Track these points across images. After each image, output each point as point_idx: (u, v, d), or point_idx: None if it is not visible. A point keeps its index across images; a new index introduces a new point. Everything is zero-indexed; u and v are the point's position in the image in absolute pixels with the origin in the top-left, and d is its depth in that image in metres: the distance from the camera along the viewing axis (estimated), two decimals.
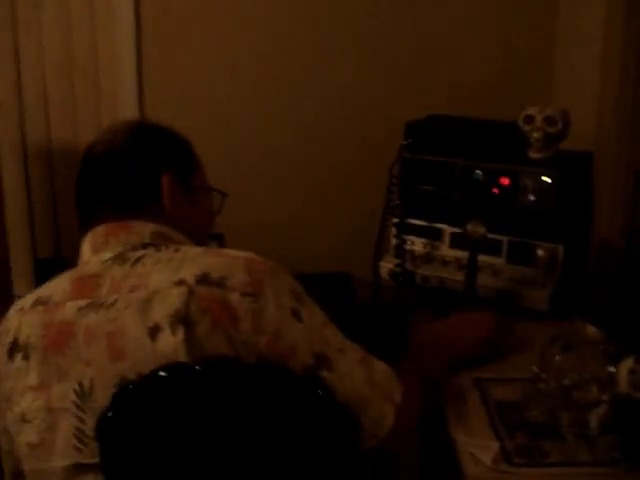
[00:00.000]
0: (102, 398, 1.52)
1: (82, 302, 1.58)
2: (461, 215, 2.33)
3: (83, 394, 1.54)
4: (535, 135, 2.38)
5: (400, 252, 2.50)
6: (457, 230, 2.42)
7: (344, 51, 3.07)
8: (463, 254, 2.37)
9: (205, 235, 1.89)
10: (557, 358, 1.81)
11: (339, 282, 2.85)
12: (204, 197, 1.87)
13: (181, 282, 1.52)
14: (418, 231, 2.54)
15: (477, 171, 2.43)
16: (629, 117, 2.39)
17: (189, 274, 1.53)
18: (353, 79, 3.08)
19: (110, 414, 1.51)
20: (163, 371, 1.49)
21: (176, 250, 1.63)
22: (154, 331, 1.49)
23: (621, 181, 2.38)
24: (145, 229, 1.69)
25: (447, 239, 2.51)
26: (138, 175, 1.74)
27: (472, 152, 2.46)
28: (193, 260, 1.57)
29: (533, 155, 2.40)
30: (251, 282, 1.54)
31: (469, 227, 2.26)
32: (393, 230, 2.56)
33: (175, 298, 1.50)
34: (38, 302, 1.64)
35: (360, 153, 3.10)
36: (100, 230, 1.71)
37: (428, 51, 3.05)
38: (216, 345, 1.49)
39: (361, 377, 1.64)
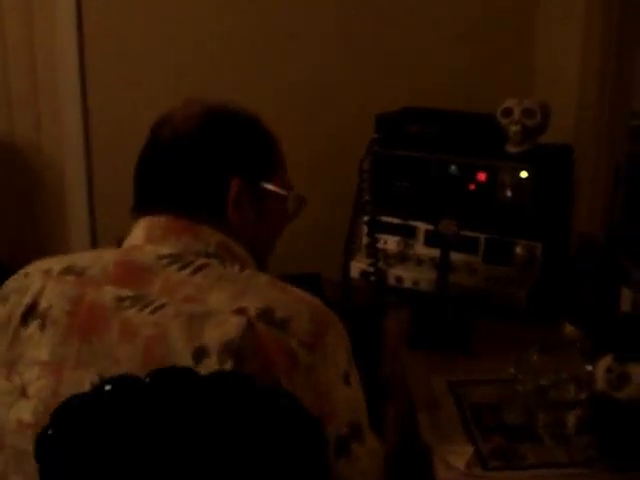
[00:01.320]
0: None
1: (125, 292, 1.53)
2: (436, 212, 2.35)
3: None
4: (513, 128, 2.41)
5: (372, 251, 2.51)
6: (432, 228, 2.44)
7: (311, 39, 3.09)
8: (438, 253, 2.35)
9: (269, 247, 1.84)
10: (534, 358, 1.86)
11: (308, 284, 2.87)
12: (276, 203, 1.77)
13: (241, 311, 1.48)
14: (391, 229, 2.57)
15: (452, 166, 2.47)
16: (610, 110, 2.44)
17: (252, 304, 1.49)
18: (320, 69, 3.10)
19: (50, 432, 1.47)
20: (108, 384, 1.46)
21: (241, 270, 1.60)
22: (200, 353, 1.45)
23: (601, 175, 2.42)
24: (212, 238, 1.64)
25: (421, 237, 2.53)
26: (204, 174, 1.66)
27: (447, 146, 2.49)
28: (258, 289, 1.54)
29: (511, 149, 2.44)
30: (312, 332, 1.51)
31: (441, 224, 2.28)
32: (364, 228, 2.57)
33: (232, 327, 1.46)
34: (70, 270, 1.60)
35: (329, 147, 3.11)
36: (160, 222, 1.65)
37: (401, 40, 3.07)
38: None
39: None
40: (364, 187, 2.56)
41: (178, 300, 1.50)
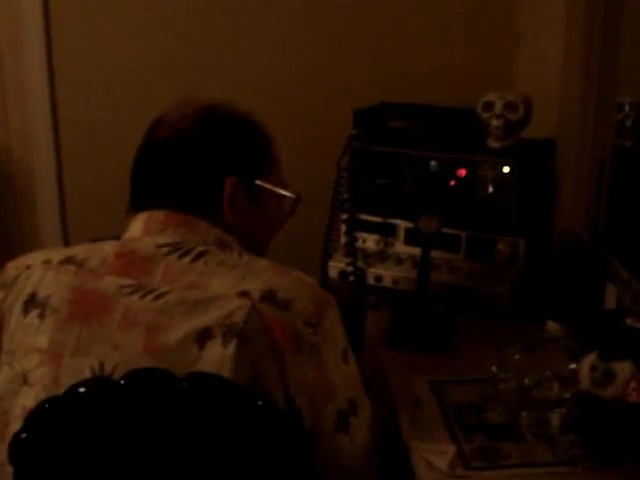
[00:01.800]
0: None
1: (126, 281, 1.58)
2: (416, 209, 2.34)
3: (101, 374, 1.53)
4: (495, 123, 2.41)
5: (351, 250, 2.50)
6: (412, 226, 2.41)
7: (290, 36, 3.10)
8: (419, 251, 2.35)
9: (265, 245, 1.89)
10: (517, 357, 1.86)
11: None
12: (273, 201, 1.82)
13: (244, 294, 1.55)
14: (370, 227, 2.56)
15: (432, 162, 2.46)
16: (594, 104, 2.43)
17: (254, 287, 1.56)
18: (298, 64, 3.11)
19: (24, 435, 1.49)
20: (82, 387, 1.48)
21: (240, 255, 1.67)
22: (203, 336, 1.51)
23: (585, 170, 2.42)
24: (209, 232, 1.69)
25: (401, 235, 2.53)
26: (200, 173, 1.71)
27: (427, 142, 2.49)
28: (259, 272, 1.61)
29: (492, 144, 2.44)
30: (315, 313, 1.60)
31: (421, 222, 2.28)
32: (343, 227, 2.56)
33: (235, 309, 1.52)
34: (69, 261, 1.64)
35: (306, 143, 3.12)
36: (159, 216, 1.69)
37: (380, 32, 3.08)
38: (265, 366, 1.54)
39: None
40: (342, 184, 2.55)
41: (180, 288, 1.56)
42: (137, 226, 1.71)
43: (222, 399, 1.51)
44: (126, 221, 1.76)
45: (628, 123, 2.47)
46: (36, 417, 1.50)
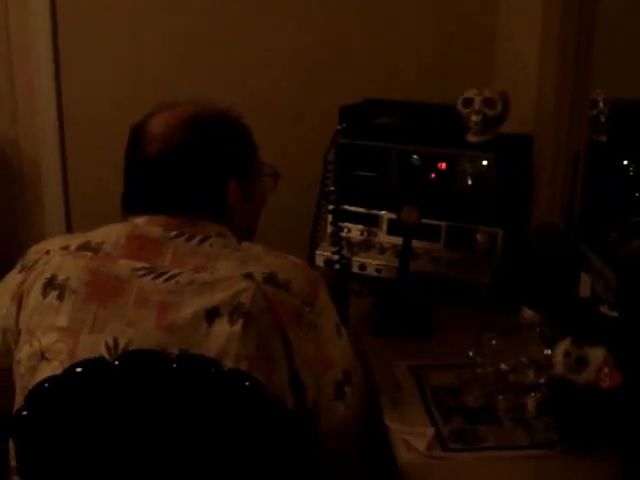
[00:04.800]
0: None
1: (139, 264, 1.60)
2: (398, 201, 2.32)
3: (115, 350, 1.54)
4: (474, 118, 2.38)
5: (336, 240, 2.48)
6: (394, 216, 2.40)
7: (277, 31, 3.05)
8: (401, 240, 2.32)
9: (255, 228, 1.89)
10: (493, 342, 1.83)
11: None
12: (258, 187, 1.84)
13: (249, 276, 1.58)
14: (354, 218, 2.54)
15: (414, 156, 2.43)
16: (569, 100, 2.40)
17: (256, 270, 1.59)
18: (285, 62, 3.07)
19: (25, 413, 1.49)
20: (79, 367, 1.48)
21: (238, 242, 1.69)
22: (212, 314, 1.54)
23: (560, 164, 2.39)
24: (211, 228, 1.68)
25: (384, 226, 2.51)
26: (202, 180, 1.70)
27: (408, 137, 2.46)
28: (258, 257, 1.64)
29: (471, 139, 2.41)
30: (310, 292, 1.64)
31: (403, 213, 2.26)
32: (329, 217, 2.55)
33: (241, 290, 1.55)
34: (86, 247, 1.65)
35: (294, 138, 3.08)
36: (160, 219, 1.67)
37: (364, 32, 3.04)
38: (271, 342, 1.57)
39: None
40: (329, 177, 2.55)
41: (189, 270, 1.58)
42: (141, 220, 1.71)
43: (211, 380, 1.51)
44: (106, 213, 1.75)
45: (602, 119, 2.44)
46: (36, 395, 1.50)
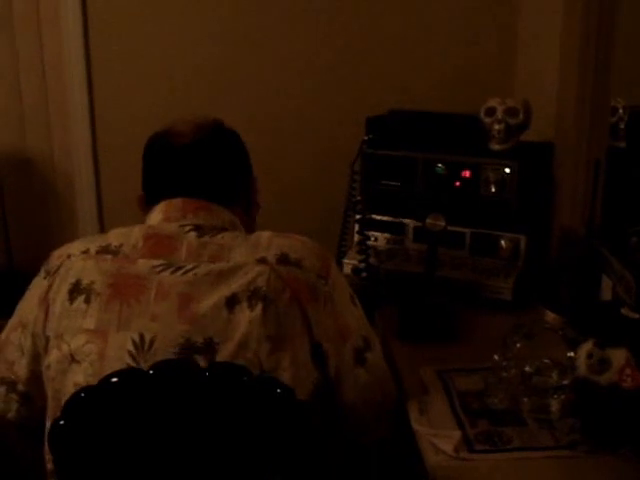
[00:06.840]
0: (162, 353, 1.56)
1: (156, 262, 1.64)
2: (424, 209, 2.33)
3: (142, 345, 1.57)
4: (496, 127, 2.40)
5: (363, 248, 2.49)
6: (420, 224, 2.40)
7: (305, 46, 3.06)
8: (426, 248, 2.34)
9: (254, 225, 1.95)
10: (518, 345, 1.82)
11: None
12: (255, 191, 1.96)
13: (262, 260, 1.64)
14: (381, 226, 2.55)
15: (439, 165, 2.44)
16: (589, 107, 2.39)
17: (269, 254, 1.65)
18: (314, 74, 3.08)
19: (62, 422, 1.50)
20: (115, 377, 1.50)
21: (247, 232, 1.78)
22: (231, 302, 1.59)
23: (581, 170, 2.38)
24: (225, 215, 1.77)
25: (410, 233, 2.52)
26: (223, 169, 1.82)
27: (433, 146, 2.47)
28: (268, 242, 1.69)
29: (494, 147, 2.42)
30: (322, 267, 1.70)
31: (428, 221, 2.27)
32: (356, 226, 2.56)
33: (257, 275, 1.61)
34: (106, 250, 1.69)
35: (321, 149, 3.09)
36: (177, 203, 1.76)
37: (388, 46, 3.04)
38: (291, 319, 1.62)
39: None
40: (355, 187, 2.56)
41: (205, 262, 1.63)
42: (156, 215, 1.77)
43: (242, 387, 1.52)
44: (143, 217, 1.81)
45: (622, 125, 2.44)
46: (72, 405, 1.51)
